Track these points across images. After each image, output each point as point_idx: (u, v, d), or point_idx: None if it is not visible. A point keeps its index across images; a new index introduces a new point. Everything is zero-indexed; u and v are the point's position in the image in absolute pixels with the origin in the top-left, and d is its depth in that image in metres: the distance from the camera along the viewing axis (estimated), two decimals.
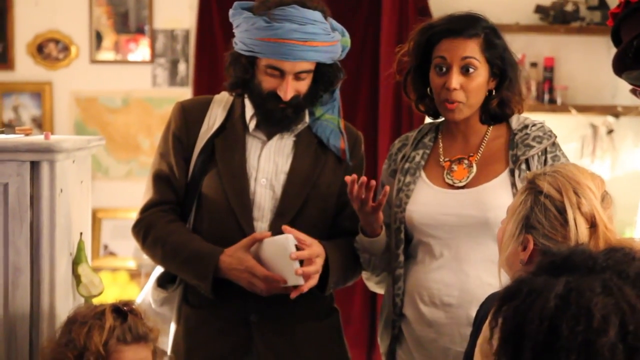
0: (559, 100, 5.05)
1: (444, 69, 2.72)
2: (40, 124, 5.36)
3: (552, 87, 5.06)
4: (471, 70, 2.71)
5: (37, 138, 2.50)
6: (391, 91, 5.07)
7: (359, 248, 2.82)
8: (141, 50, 5.38)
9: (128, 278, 5.27)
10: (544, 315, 1.52)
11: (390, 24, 5.07)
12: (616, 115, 5.02)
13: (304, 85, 2.78)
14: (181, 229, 2.84)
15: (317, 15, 2.74)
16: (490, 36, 2.74)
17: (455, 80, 2.70)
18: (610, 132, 5.03)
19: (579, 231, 2.10)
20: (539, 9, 5.10)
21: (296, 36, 2.70)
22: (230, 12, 2.82)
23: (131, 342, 2.34)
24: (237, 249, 2.74)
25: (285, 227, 2.73)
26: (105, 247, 5.39)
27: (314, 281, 2.72)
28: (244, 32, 2.76)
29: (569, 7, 5.08)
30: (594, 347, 1.49)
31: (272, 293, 2.73)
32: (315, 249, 2.72)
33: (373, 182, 2.65)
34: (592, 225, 2.11)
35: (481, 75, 2.72)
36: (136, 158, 5.39)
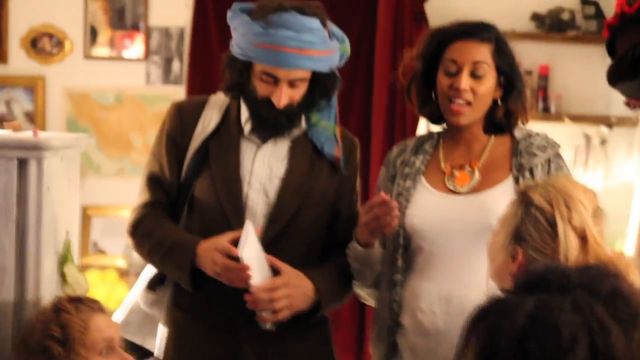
0: (552, 109, 5.04)
1: (454, 71, 2.70)
2: (32, 118, 5.33)
3: (546, 95, 5.05)
4: (481, 74, 2.69)
5: (25, 135, 2.49)
6: (385, 97, 5.05)
7: (350, 256, 2.78)
8: (136, 47, 5.35)
9: (117, 277, 5.24)
10: (513, 334, 1.50)
11: (385, 29, 5.05)
12: (610, 125, 5.01)
13: (298, 93, 2.75)
14: (168, 223, 2.81)
15: (314, 22, 2.70)
16: (500, 44, 2.73)
17: (465, 81, 2.67)
18: (603, 142, 5.03)
19: (569, 245, 2.09)
20: (535, 17, 5.09)
21: (292, 44, 2.67)
22: (229, 14, 2.80)
23: (98, 310, 2.37)
24: (217, 237, 2.70)
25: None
26: (95, 244, 5.37)
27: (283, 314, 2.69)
28: (241, 36, 2.74)
29: (565, 16, 5.08)
30: None
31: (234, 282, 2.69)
32: (279, 281, 2.69)
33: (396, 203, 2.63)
34: (583, 239, 2.10)
35: (489, 81, 2.70)
36: (128, 155, 5.37)
